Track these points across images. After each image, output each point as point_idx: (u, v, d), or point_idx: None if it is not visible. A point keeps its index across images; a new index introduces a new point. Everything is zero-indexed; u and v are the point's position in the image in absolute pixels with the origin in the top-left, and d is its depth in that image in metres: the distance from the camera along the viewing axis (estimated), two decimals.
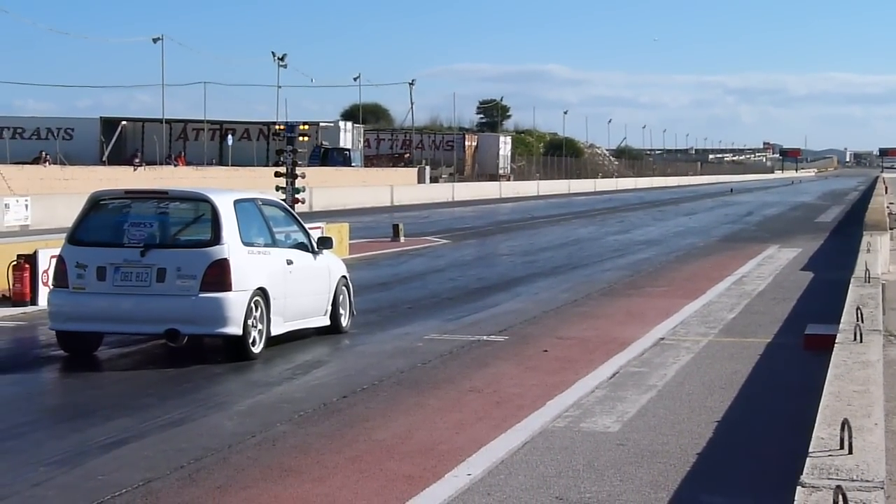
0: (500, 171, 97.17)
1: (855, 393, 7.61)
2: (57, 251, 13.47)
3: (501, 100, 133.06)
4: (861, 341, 9.91)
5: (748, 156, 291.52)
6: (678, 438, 9.11)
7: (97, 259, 12.55)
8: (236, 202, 13.08)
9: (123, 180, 44.03)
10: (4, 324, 15.53)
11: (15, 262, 16.82)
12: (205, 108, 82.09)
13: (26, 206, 37.94)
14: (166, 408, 10.24)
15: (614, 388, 11.18)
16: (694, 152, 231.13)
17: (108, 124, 76.61)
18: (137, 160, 56.34)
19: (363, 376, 11.79)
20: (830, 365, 8.82)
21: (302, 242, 14.21)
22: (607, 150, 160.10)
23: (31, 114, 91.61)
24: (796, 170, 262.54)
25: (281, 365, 12.55)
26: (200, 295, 12.32)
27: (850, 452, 5.88)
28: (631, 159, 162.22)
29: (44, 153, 57.39)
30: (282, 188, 26.18)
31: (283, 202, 16.47)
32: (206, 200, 12.86)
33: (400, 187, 67.79)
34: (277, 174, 26.67)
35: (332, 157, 72.44)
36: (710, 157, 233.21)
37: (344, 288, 14.82)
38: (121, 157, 67.55)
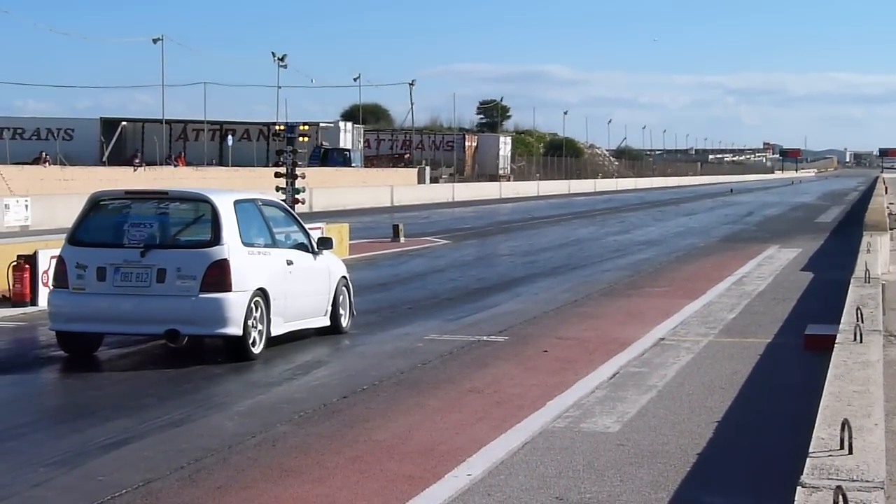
0: (500, 172, 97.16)
1: (855, 393, 7.61)
2: (57, 252, 13.48)
3: (501, 100, 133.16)
4: (861, 341, 9.91)
5: (748, 156, 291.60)
6: (678, 438, 9.11)
7: (97, 259, 12.55)
8: (236, 202, 13.08)
9: (123, 181, 44.03)
10: (4, 324, 15.53)
11: (15, 263, 16.82)
12: (205, 108, 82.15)
13: (26, 206, 37.95)
14: (166, 408, 10.24)
15: (614, 389, 11.18)
16: (694, 153, 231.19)
17: (108, 125, 76.65)
18: (137, 161, 56.34)
19: (363, 377, 11.79)
20: (830, 365, 8.82)
21: (302, 243, 14.20)
22: (607, 150, 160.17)
23: (31, 114, 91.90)
24: (796, 170, 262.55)
25: (281, 365, 12.55)
26: (200, 295, 12.31)
27: (851, 453, 5.88)
28: (631, 160, 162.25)
29: (44, 154, 57.42)
30: (282, 188, 26.18)
31: (283, 202, 16.46)
32: (206, 201, 12.86)
33: (400, 188, 67.79)
34: (277, 174, 26.68)
35: (332, 157, 72.44)
36: (710, 157, 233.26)
37: (344, 288, 14.82)
38: (121, 157, 67.55)
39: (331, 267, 14.65)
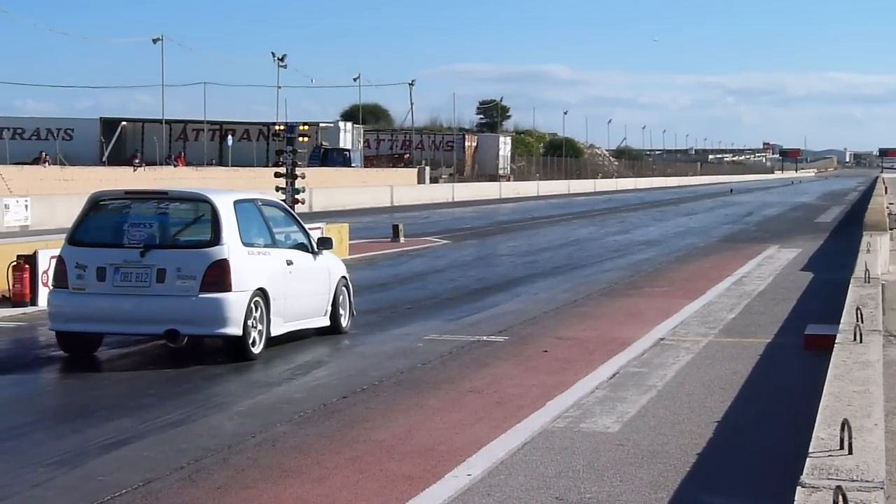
0: (500, 172, 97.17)
1: (855, 393, 7.61)
2: (57, 252, 13.48)
3: (501, 100, 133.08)
4: (861, 341, 9.91)
5: (748, 156, 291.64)
6: (678, 438, 9.11)
7: (97, 259, 12.55)
8: (236, 203, 13.08)
9: (123, 181, 44.04)
10: (4, 324, 15.53)
11: (15, 263, 16.82)
12: (205, 108, 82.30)
13: (26, 206, 37.94)
14: (166, 408, 10.24)
15: (614, 389, 11.18)
16: (694, 153, 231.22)
17: (108, 125, 76.66)
18: (137, 161, 56.36)
19: (363, 377, 11.79)
20: (830, 365, 8.82)
21: (302, 243, 14.20)
22: (607, 150, 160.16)
23: (30, 114, 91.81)
24: (796, 170, 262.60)
25: (281, 365, 12.55)
26: (200, 295, 12.32)
27: (850, 453, 5.88)
28: (631, 160, 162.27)
29: (43, 154, 57.43)
30: (282, 189, 26.18)
31: (282, 203, 16.47)
32: (206, 201, 12.86)
33: (400, 188, 67.80)
34: (277, 175, 26.68)
35: (331, 157, 72.43)
36: (710, 157, 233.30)
37: (344, 288, 14.82)
38: (121, 157, 67.57)
39: (331, 267, 14.65)
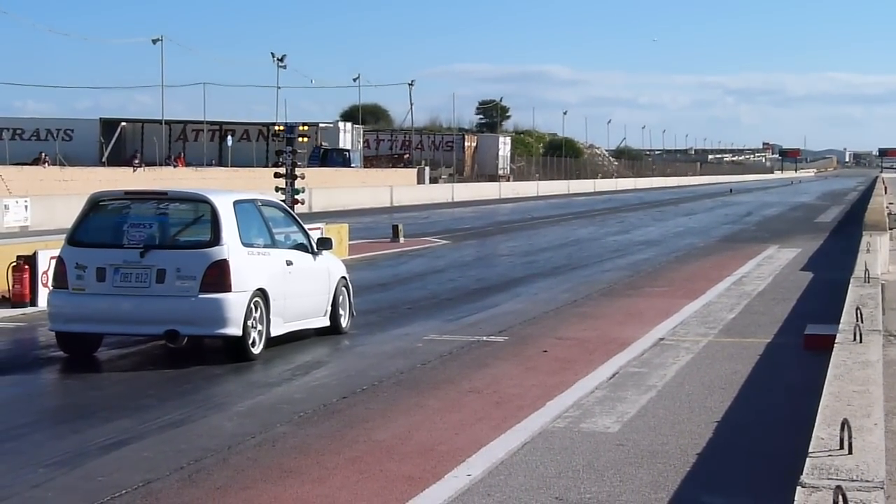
0: (500, 172, 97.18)
1: (855, 393, 7.61)
2: (56, 252, 13.47)
3: (501, 100, 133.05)
4: (861, 341, 9.91)
5: (748, 156, 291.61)
6: (678, 438, 9.11)
7: (97, 260, 12.55)
8: (236, 203, 13.08)
9: (123, 181, 44.04)
10: (4, 325, 15.53)
11: (14, 264, 16.81)
12: (204, 108, 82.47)
13: (26, 207, 37.94)
14: (166, 409, 10.24)
15: (614, 389, 11.18)
16: (693, 153, 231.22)
17: (108, 125, 76.70)
18: (137, 161, 56.41)
19: (363, 377, 11.79)
20: (830, 365, 8.82)
21: (301, 243, 14.20)
22: (607, 150, 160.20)
23: (30, 115, 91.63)
24: (796, 170, 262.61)
25: (280, 366, 12.55)
26: (200, 296, 12.32)
27: (850, 452, 5.88)
28: (630, 160, 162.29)
29: (43, 154, 57.47)
30: (281, 189, 26.17)
31: (282, 203, 16.46)
32: (206, 201, 12.86)
33: (399, 188, 67.79)
34: (277, 175, 26.68)
35: (331, 157, 72.44)
36: (710, 157, 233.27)
37: (343, 289, 14.82)
38: (120, 158, 67.61)
39: (330, 267, 14.65)
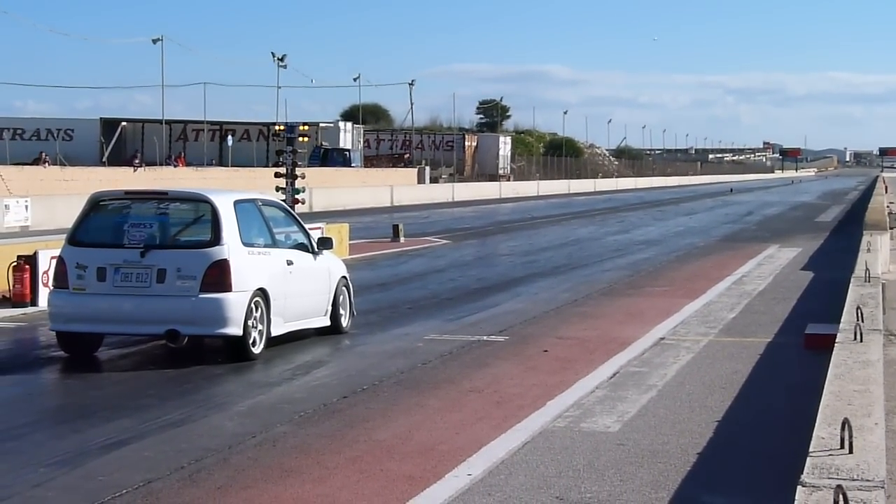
0: (500, 172, 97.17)
1: (855, 392, 7.60)
2: (57, 252, 13.48)
3: (501, 100, 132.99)
4: (861, 341, 9.91)
5: (748, 156, 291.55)
6: (678, 438, 9.11)
7: (97, 260, 12.55)
8: (236, 203, 13.08)
9: (123, 181, 44.02)
10: (5, 325, 15.54)
11: (15, 263, 16.82)
12: (204, 108, 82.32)
13: (26, 207, 37.94)
14: (166, 408, 10.24)
15: (614, 388, 11.18)
16: (694, 152, 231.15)
17: (108, 125, 76.67)
18: (137, 161, 56.38)
19: (363, 377, 11.79)
20: (831, 364, 8.82)
21: (302, 243, 14.20)
22: (607, 150, 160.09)
23: (31, 115, 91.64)
24: (796, 169, 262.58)
25: (281, 365, 12.55)
26: (200, 295, 12.32)
27: (851, 452, 5.87)
28: (631, 159, 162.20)
29: (44, 154, 57.43)
30: (282, 189, 26.17)
31: (282, 203, 16.46)
32: (206, 201, 12.86)
33: (400, 187, 67.79)
34: (277, 175, 26.68)
35: (331, 157, 72.43)
36: (710, 156, 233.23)
37: (344, 288, 14.82)
38: (121, 157, 67.59)
39: (331, 267, 14.65)
